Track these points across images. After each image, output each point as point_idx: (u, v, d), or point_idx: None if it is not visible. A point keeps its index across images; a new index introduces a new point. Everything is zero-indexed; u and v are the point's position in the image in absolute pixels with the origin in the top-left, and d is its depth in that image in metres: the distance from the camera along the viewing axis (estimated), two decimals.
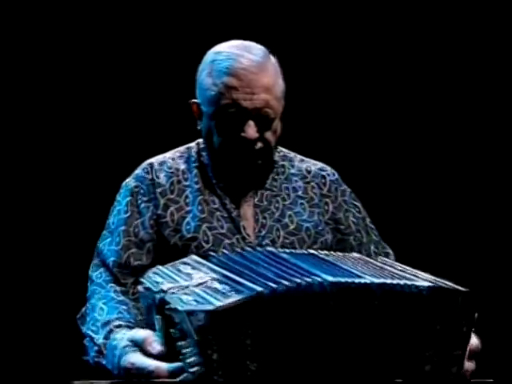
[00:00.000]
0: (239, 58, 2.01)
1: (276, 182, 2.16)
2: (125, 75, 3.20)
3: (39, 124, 3.21)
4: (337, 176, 2.24)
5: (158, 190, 2.10)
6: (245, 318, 1.51)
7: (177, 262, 1.80)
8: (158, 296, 1.63)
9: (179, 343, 1.54)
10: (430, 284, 1.63)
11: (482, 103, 3.37)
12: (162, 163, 2.14)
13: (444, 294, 1.63)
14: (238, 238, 2.07)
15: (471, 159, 3.38)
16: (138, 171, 2.14)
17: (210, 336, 1.49)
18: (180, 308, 1.52)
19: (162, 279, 1.69)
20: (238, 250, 1.92)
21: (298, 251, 1.83)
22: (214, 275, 1.65)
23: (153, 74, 3.14)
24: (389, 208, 3.24)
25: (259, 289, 1.53)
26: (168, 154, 2.18)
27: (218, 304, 1.50)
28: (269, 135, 2.05)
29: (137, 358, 1.70)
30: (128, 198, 2.11)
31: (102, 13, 3.19)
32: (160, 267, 1.78)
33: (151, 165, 2.14)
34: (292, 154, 2.25)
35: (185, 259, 1.80)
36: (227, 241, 2.06)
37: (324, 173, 2.22)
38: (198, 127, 2.11)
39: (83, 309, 2.02)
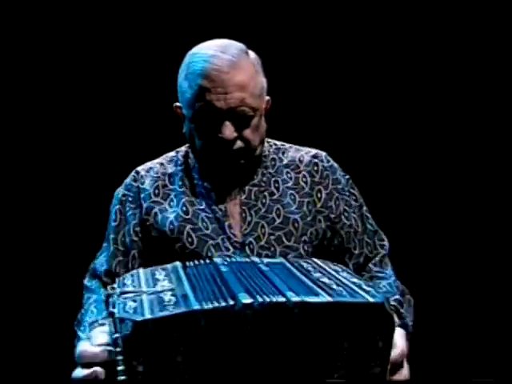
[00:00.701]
0: (212, 58, 2.00)
1: (264, 176, 2.15)
2: (123, 80, 3.23)
3: (36, 131, 3.26)
4: (331, 162, 2.21)
5: (142, 196, 2.14)
6: (175, 334, 1.50)
7: (159, 266, 1.83)
8: (111, 299, 1.65)
9: (113, 349, 1.54)
10: (336, 300, 1.58)
11: (477, 98, 3.33)
12: (149, 169, 2.18)
13: (350, 309, 1.57)
14: (223, 238, 2.08)
15: (470, 150, 3.34)
16: (127, 179, 2.19)
17: (136, 347, 1.49)
18: (116, 314, 1.54)
19: (130, 282, 1.72)
20: (227, 257, 1.95)
21: (276, 261, 1.84)
22: (173, 285, 1.66)
23: (152, 80, 3.16)
24: (385, 198, 3.21)
25: (196, 307, 1.53)
26: (157, 160, 2.22)
27: (148, 316, 1.50)
28: (248, 133, 2.04)
29: (82, 346, 1.69)
30: (117, 207, 2.17)
31: (97, 18, 3.22)
32: (140, 270, 1.82)
33: (137, 172, 2.19)
34: (287, 145, 2.24)
35: (167, 265, 1.83)
36: (212, 242, 2.07)
37: (317, 160, 2.19)
38: (183, 130, 2.12)
39: (79, 315, 2.07)
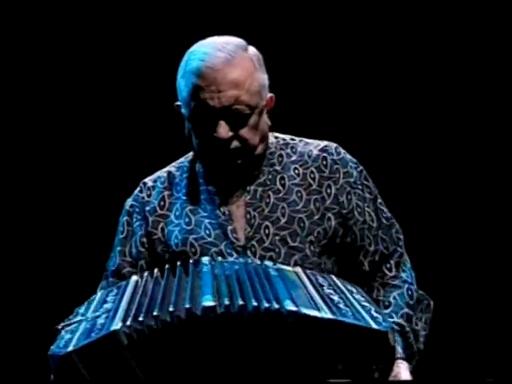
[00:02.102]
0: (206, 56, 1.97)
1: (270, 174, 2.07)
2: (138, 87, 3.27)
3: (48, 138, 3.31)
4: (342, 155, 2.11)
5: (147, 209, 2.11)
6: (102, 358, 1.52)
7: (118, 284, 1.83)
8: (58, 329, 1.66)
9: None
10: (337, 318, 1.54)
11: (489, 93, 3.30)
12: (156, 180, 2.15)
13: (349, 331, 1.53)
14: (226, 244, 2.02)
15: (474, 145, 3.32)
16: (135, 190, 2.17)
17: (67, 380, 1.52)
18: (50, 350, 1.56)
19: (82, 309, 1.72)
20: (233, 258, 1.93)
21: (289, 269, 1.80)
22: (113, 306, 1.66)
23: (166, 85, 3.14)
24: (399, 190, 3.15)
25: (115, 327, 1.53)
26: (166, 168, 2.18)
27: (71, 348, 1.52)
28: (245, 132, 1.98)
29: None
30: (124, 218, 2.15)
31: (104, 21, 3.25)
32: (98, 292, 1.81)
33: (144, 183, 2.16)
34: (297, 140, 2.15)
35: (123, 282, 1.82)
36: (214, 249, 2.02)
37: (325, 153, 2.09)
38: (186, 131, 2.07)
39: None
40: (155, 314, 1.55)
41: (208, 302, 1.56)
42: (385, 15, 3.27)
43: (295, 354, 1.53)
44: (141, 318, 1.54)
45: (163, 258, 2.06)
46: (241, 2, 3.20)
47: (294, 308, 1.53)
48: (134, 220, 2.12)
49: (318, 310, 1.55)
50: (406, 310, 2.00)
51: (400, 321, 1.98)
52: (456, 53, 3.28)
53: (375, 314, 1.60)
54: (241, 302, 1.55)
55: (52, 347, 1.56)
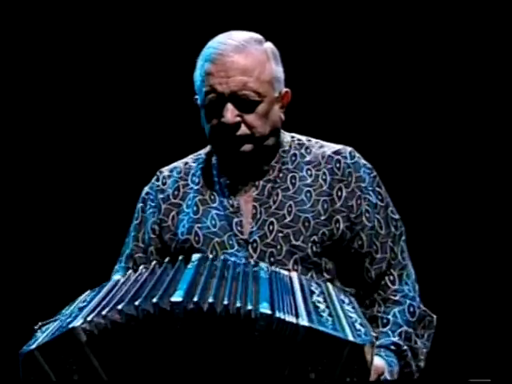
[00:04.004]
0: (218, 44, 2.02)
1: (281, 172, 2.08)
2: (159, 81, 3.32)
3: (65, 133, 3.40)
4: (356, 159, 2.09)
5: (161, 196, 2.14)
6: (61, 356, 1.53)
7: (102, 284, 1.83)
8: (35, 328, 1.69)
9: None
10: (311, 326, 1.51)
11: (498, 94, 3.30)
12: (172, 169, 2.18)
13: (323, 341, 1.50)
14: (229, 236, 2.04)
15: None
16: (152, 179, 2.20)
17: (32, 376, 1.54)
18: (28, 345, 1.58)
19: (69, 305, 1.74)
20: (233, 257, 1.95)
21: (285, 273, 1.79)
22: (84, 304, 1.67)
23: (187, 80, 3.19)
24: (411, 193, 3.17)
25: (74, 324, 1.55)
26: (184, 159, 2.21)
27: (33, 346, 1.55)
28: (252, 119, 2.00)
29: None
30: (140, 205, 2.19)
31: (119, 20, 3.31)
32: (87, 291, 1.81)
33: (161, 172, 2.19)
34: (313, 141, 2.14)
35: (106, 282, 1.83)
36: (217, 239, 2.04)
37: (339, 156, 2.08)
38: (201, 120, 2.10)
39: None
40: (119, 307, 1.55)
41: (177, 297, 1.55)
42: (401, 22, 3.29)
43: (267, 357, 1.51)
44: (104, 313, 1.55)
45: (170, 246, 2.09)
46: (261, 5, 3.25)
47: (268, 311, 1.51)
48: (148, 207, 2.15)
49: (296, 316, 1.53)
50: (404, 328, 1.98)
51: (396, 339, 1.95)
52: (473, 61, 3.27)
53: (358, 327, 1.57)
54: (210, 300, 1.54)
55: (24, 346, 1.59)
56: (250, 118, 1.99)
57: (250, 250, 2.01)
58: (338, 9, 3.29)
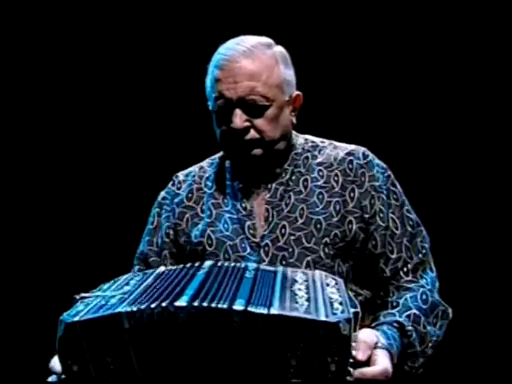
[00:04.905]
0: (226, 50, 2.02)
1: (294, 175, 2.07)
2: (179, 86, 3.35)
3: (82, 125, 3.46)
4: (369, 159, 2.07)
5: (176, 200, 2.16)
6: (101, 335, 1.54)
7: (141, 272, 1.85)
8: (76, 298, 1.69)
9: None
10: (281, 313, 1.51)
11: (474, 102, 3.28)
12: (188, 174, 2.20)
13: (297, 325, 1.50)
14: (242, 239, 2.04)
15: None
16: (169, 184, 2.22)
17: (69, 347, 1.54)
18: (62, 315, 1.59)
19: (111, 283, 1.76)
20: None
21: (271, 269, 1.79)
22: (130, 289, 1.68)
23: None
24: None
25: (123, 310, 1.55)
26: (200, 163, 2.23)
27: (76, 318, 1.55)
28: (261, 123, 2.00)
29: None
30: (156, 210, 2.20)
31: (137, 26, 3.36)
32: (130, 274, 1.84)
33: (176, 176, 2.21)
34: (326, 142, 2.14)
35: (149, 270, 1.85)
36: (230, 242, 2.04)
37: (352, 157, 2.07)
38: (213, 125, 2.10)
39: None
40: (153, 306, 1.55)
41: (181, 302, 1.56)
42: (415, 26, 3.30)
43: (248, 352, 1.52)
44: (143, 307, 1.55)
45: (185, 249, 2.10)
46: (276, 9, 3.27)
47: (240, 307, 1.52)
48: (163, 211, 2.17)
49: (268, 307, 1.53)
50: (414, 311, 1.94)
51: (401, 319, 1.90)
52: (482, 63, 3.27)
53: (336, 306, 1.56)
54: (184, 304, 1.54)
55: (64, 313, 1.59)
56: (259, 122, 2.00)
57: (262, 254, 2.01)
58: (352, 13, 3.30)
